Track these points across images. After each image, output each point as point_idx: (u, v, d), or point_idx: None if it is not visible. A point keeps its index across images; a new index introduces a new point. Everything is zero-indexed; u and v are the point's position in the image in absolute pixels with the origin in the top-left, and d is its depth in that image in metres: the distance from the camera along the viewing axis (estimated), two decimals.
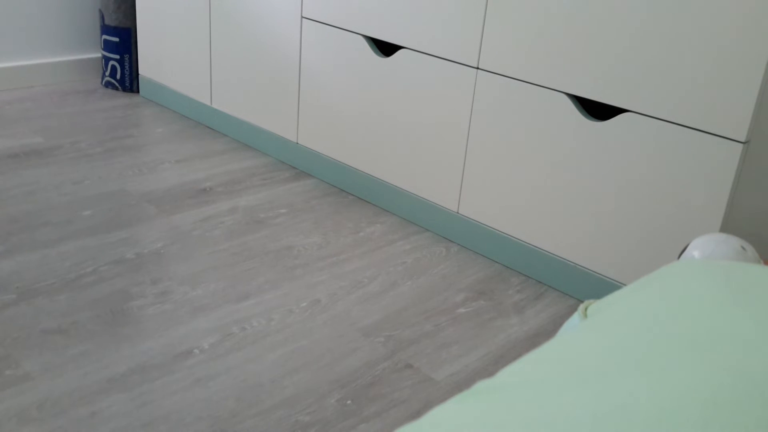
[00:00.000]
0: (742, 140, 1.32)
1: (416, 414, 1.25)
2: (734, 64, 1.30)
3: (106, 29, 2.64)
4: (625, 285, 1.53)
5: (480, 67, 1.66)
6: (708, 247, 0.88)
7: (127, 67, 2.68)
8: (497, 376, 0.52)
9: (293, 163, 2.20)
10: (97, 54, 2.83)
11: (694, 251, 0.89)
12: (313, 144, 2.12)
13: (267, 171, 2.16)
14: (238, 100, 2.32)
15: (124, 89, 2.71)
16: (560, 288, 1.65)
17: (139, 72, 2.68)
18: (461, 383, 1.33)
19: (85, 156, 2.14)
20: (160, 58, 2.56)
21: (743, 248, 0.86)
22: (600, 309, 0.60)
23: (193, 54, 2.42)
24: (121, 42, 2.64)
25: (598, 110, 1.58)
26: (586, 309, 0.64)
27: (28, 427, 1.14)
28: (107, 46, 2.66)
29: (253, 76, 2.24)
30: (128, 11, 2.62)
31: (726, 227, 1.38)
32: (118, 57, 2.66)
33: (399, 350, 1.41)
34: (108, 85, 2.73)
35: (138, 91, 2.73)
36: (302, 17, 2.03)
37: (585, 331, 0.54)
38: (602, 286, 1.57)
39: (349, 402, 1.26)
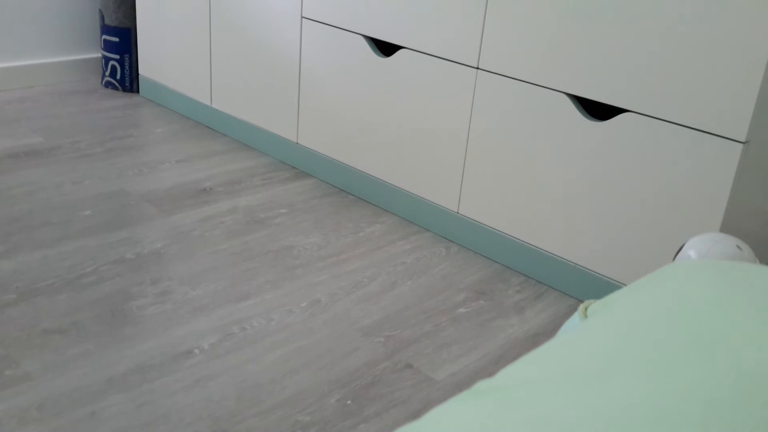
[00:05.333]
0: (742, 140, 1.32)
1: (416, 414, 1.25)
2: (734, 64, 1.30)
3: (106, 29, 2.64)
4: (625, 285, 1.54)
5: (480, 67, 1.66)
6: (704, 247, 0.88)
7: (127, 67, 2.68)
8: (497, 376, 0.52)
9: (293, 163, 2.20)
10: (97, 54, 2.83)
11: (690, 251, 0.88)
12: (313, 144, 2.12)
13: (267, 171, 2.16)
14: (238, 100, 2.32)
15: (124, 89, 2.71)
16: (560, 288, 1.65)
17: (139, 72, 2.68)
18: (461, 383, 1.33)
19: (85, 156, 2.14)
20: (160, 58, 2.56)
21: (739, 248, 0.86)
22: (600, 309, 0.60)
23: (193, 54, 2.42)
24: (121, 42, 2.64)
25: (598, 110, 1.58)
26: (586, 309, 0.64)
27: (28, 427, 1.14)
28: (107, 46, 2.66)
29: (253, 76, 2.24)
30: (128, 11, 2.62)
31: (726, 227, 1.38)
32: (118, 57, 2.66)
33: (399, 350, 1.41)
34: (108, 85, 2.73)
35: (138, 91, 2.73)
36: (302, 17, 2.03)
37: (585, 331, 0.54)
38: (602, 286, 1.57)
39: (349, 402, 1.26)
